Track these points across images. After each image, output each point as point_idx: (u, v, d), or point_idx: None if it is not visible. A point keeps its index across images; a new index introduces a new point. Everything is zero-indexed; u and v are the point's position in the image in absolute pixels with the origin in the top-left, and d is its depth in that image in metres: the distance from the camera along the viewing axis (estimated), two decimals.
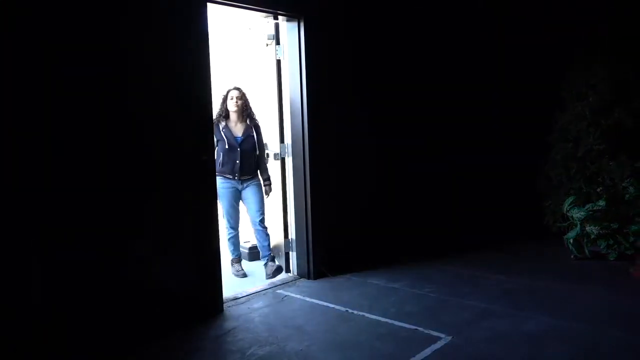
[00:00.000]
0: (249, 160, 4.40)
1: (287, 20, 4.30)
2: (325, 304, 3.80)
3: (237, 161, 4.34)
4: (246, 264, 4.94)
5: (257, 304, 3.83)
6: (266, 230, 4.47)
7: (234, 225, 4.59)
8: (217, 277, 3.69)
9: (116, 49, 3.16)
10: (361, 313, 3.60)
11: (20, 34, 2.77)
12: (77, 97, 3.00)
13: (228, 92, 4.42)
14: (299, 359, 2.97)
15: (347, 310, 3.65)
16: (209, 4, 3.61)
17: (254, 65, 4.67)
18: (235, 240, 4.62)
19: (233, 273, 4.56)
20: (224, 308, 3.73)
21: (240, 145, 4.36)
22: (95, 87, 3.07)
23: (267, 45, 4.44)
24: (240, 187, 4.43)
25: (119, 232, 3.20)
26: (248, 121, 4.43)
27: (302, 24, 4.23)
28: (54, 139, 2.92)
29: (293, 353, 3.03)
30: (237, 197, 4.49)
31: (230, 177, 4.39)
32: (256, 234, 4.50)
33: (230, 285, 4.14)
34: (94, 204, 3.09)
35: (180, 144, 3.47)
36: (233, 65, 5.06)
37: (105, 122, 3.13)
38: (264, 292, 4.07)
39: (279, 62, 4.40)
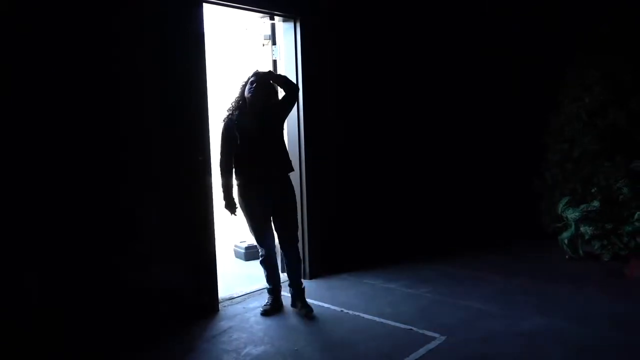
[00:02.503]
0: (277, 152, 3.52)
1: (284, 21, 4.31)
2: (321, 303, 3.80)
3: (261, 155, 3.46)
4: (243, 264, 4.95)
5: (253, 303, 3.83)
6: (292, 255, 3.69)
7: (264, 241, 3.62)
8: (213, 277, 3.70)
9: (110, 49, 3.16)
10: (356, 313, 3.61)
11: (6, 33, 2.77)
12: (70, 98, 3.01)
13: (248, 78, 3.57)
14: (294, 359, 2.98)
15: (342, 310, 3.66)
16: (204, 4, 3.62)
17: (251, 66, 4.66)
18: (269, 265, 3.67)
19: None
20: (220, 308, 3.73)
21: (262, 134, 3.47)
22: (88, 88, 3.08)
23: (263, 45, 4.44)
24: (269, 190, 3.50)
25: (115, 233, 3.21)
26: (270, 108, 3.54)
27: (298, 25, 4.24)
28: (46, 141, 2.92)
29: (288, 353, 3.04)
30: (265, 203, 3.53)
31: (254, 179, 3.50)
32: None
33: (226, 286, 4.14)
34: (91, 205, 3.10)
35: (176, 145, 3.48)
36: (229, 65, 5.07)
37: (100, 123, 3.14)
38: (259, 292, 4.07)
39: (275, 62, 4.39)
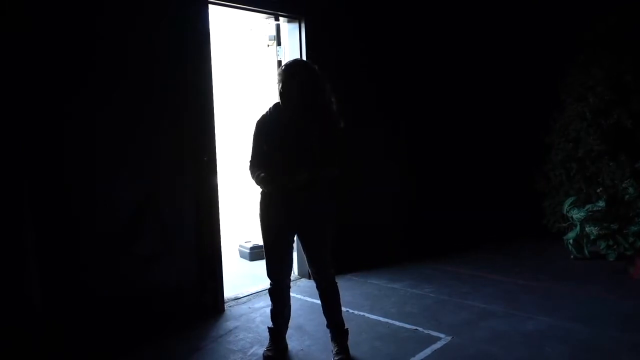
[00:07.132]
0: (307, 160, 2.76)
1: (288, 21, 4.32)
2: None
3: (286, 166, 2.76)
4: (248, 264, 4.95)
5: (258, 303, 3.84)
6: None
7: (274, 267, 2.93)
8: (218, 277, 3.71)
9: (115, 48, 3.19)
10: (361, 313, 3.61)
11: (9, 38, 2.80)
12: (73, 97, 3.03)
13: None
14: (299, 359, 2.98)
15: (347, 310, 3.66)
16: (210, 5, 3.63)
17: (255, 66, 4.69)
18: (274, 299, 2.99)
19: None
20: (225, 308, 3.74)
21: (288, 140, 2.78)
22: (91, 85, 3.10)
23: (268, 46, 4.45)
24: (294, 210, 2.83)
25: (119, 232, 3.22)
26: (312, 109, 2.82)
27: (303, 25, 4.25)
28: (47, 139, 2.94)
29: (294, 353, 3.05)
30: (286, 226, 2.89)
31: (276, 186, 2.79)
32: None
33: (231, 286, 4.15)
34: (94, 203, 3.11)
35: (180, 144, 3.49)
36: (234, 66, 5.08)
37: (103, 122, 3.16)
38: (265, 292, 4.06)
39: (280, 63, 4.41)
